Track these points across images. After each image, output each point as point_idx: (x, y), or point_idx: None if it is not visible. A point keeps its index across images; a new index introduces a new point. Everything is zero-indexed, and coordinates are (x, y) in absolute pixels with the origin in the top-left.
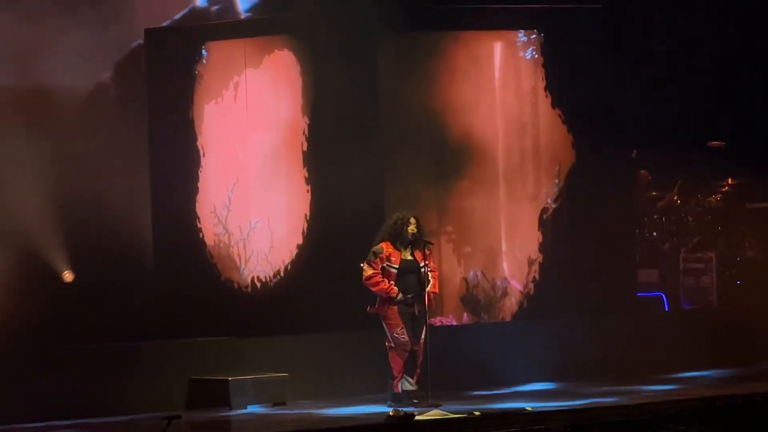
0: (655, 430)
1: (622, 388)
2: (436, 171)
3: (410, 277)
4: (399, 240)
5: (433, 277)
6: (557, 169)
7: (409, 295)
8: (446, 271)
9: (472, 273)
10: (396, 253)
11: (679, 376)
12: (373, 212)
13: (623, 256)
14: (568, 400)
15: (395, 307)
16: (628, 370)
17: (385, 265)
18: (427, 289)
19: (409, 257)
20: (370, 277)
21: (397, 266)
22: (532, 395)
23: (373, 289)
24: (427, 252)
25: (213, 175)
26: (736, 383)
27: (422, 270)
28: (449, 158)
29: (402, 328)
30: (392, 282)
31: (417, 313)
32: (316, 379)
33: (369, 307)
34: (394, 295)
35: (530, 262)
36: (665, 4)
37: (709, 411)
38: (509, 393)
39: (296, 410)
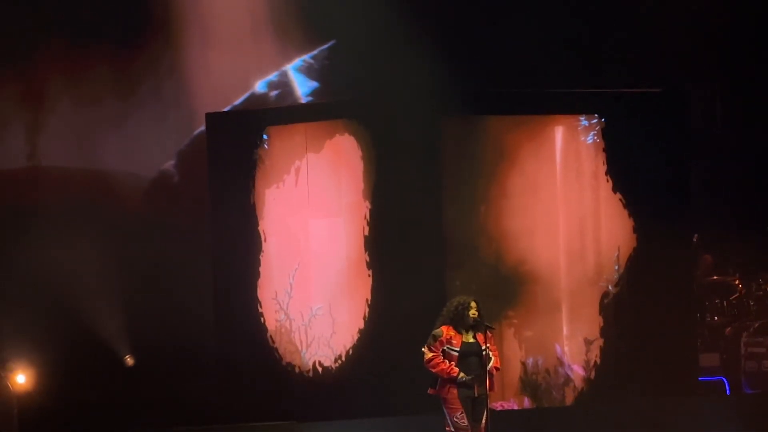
0: None
1: None
2: (496, 255)
3: (472, 360)
4: (460, 324)
5: (493, 354)
6: (617, 254)
7: (470, 376)
8: (507, 354)
9: (531, 358)
10: (457, 336)
11: None
12: (434, 297)
13: (684, 340)
14: None
15: (455, 391)
16: None
17: (446, 348)
18: (489, 366)
19: (471, 340)
20: (430, 360)
21: (458, 349)
22: None
23: (434, 370)
24: (488, 335)
25: (274, 261)
26: None
27: (484, 353)
28: (510, 242)
29: (462, 412)
30: (453, 363)
31: (477, 396)
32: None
33: (430, 389)
34: (455, 375)
35: (591, 346)
36: (725, 89)
37: None
38: None
39: None
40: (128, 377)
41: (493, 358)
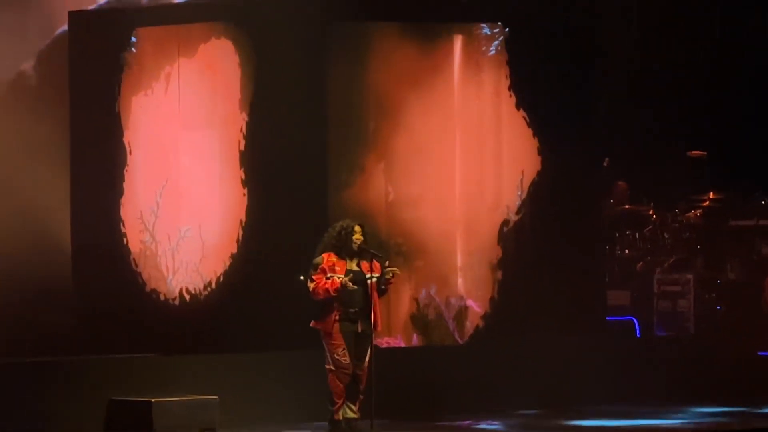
0: None
1: (584, 423)
2: (386, 176)
3: (355, 290)
4: (343, 250)
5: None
6: (520, 177)
7: (352, 309)
8: (395, 287)
9: (424, 291)
10: (341, 262)
11: (646, 411)
12: (316, 219)
13: (592, 276)
14: None
15: (337, 325)
16: (592, 400)
17: (328, 276)
18: (386, 279)
19: (355, 268)
20: (314, 289)
21: (342, 276)
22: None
23: (319, 297)
24: (374, 263)
25: (140, 176)
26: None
27: (369, 281)
28: (401, 163)
29: (344, 348)
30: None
31: (361, 331)
32: (250, 403)
33: (312, 321)
34: (338, 286)
35: (489, 279)
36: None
37: None
38: (461, 426)
39: None
40: None
41: (387, 272)
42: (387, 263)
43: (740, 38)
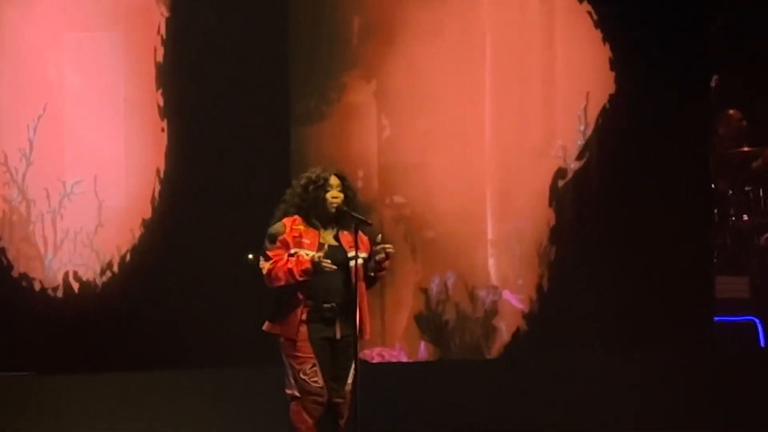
0: None
1: None
2: (378, 103)
3: (333, 273)
4: (313, 213)
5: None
6: (583, 105)
7: (327, 305)
8: (394, 269)
9: (437, 279)
10: (311, 232)
11: None
12: (272, 168)
13: (691, 254)
14: None
15: (304, 328)
16: None
17: (292, 252)
18: (376, 261)
19: (333, 242)
20: (269, 272)
21: (313, 252)
22: None
23: (278, 284)
24: (360, 235)
25: (4, 101)
26: None
27: (351, 263)
28: (401, 83)
29: (314, 365)
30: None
31: (340, 338)
32: None
33: (267, 323)
34: (307, 266)
35: (535, 262)
36: None
37: None
38: None
39: None
40: None
41: (384, 255)
42: (380, 237)
43: None
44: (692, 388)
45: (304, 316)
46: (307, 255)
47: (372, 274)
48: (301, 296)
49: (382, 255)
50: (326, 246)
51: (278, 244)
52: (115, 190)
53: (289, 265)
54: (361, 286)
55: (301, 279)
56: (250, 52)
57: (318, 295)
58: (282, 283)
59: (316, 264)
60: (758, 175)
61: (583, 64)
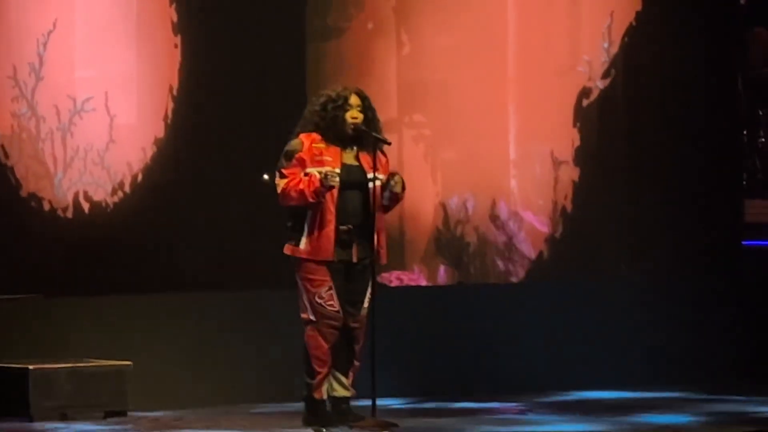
0: None
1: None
2: (397, 17)
3: (351, 194)
4: (332, 131)
5: (395, 182)
6: (608, 22)
7: (344, 227)
8: (411, 192)
9: (456, 198)
10: (332, 150)
11: None
12: (287, 85)
13: (720, 177)
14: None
15: (320, 250)
16: (716, 373)
17: (307, 171)
18: (392, 192)
19: (354, 162)
20: (284, 190)
21: (328, 169)
22: (549, 409)
23: (291, 200)
24: (379, 156)
25: (13, 18)
26: None
27: (371, 185)
28: (415, 1)
29: (330, 288)
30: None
31: (357, 261)
32: (181, 373)
33: (287, 245)
34: (317, 186)
35: (559, 183)
36: None
37: None
38: (504, 410)
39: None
40: None
41: (397, 183)
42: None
43: None
44: (720, 314)
45: (318, 238)
46: (320, 173)
47: (386, 203)
48: (316, 217)
49: (396, 186)
50: (346, 169)
51: (294, 162)
52: (126, 107)
53: (301, 186)
54: (380, 209)
55: (312, 200)
56: None
57: (335, 217)
58: (294, 202)
59: (323, 180)
60: None
61: None
